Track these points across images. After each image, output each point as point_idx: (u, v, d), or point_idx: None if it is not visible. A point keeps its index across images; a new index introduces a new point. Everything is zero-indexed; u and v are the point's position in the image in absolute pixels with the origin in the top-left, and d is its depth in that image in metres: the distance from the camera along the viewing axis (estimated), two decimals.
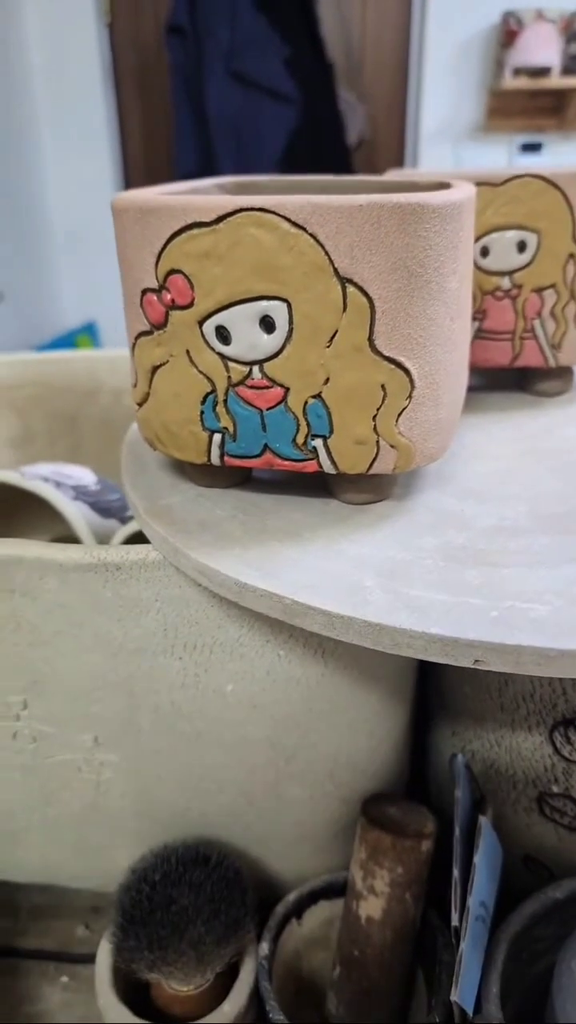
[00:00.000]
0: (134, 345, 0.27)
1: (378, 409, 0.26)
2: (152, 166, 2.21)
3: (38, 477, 0.47)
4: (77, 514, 0.44)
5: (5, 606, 0.31)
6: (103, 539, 0.46)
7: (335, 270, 0.24)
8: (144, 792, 0.36)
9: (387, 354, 0.25)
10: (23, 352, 0.58)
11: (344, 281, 0.24)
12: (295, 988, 0.38)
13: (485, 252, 0.37)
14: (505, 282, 0.37)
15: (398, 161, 2.42)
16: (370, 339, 0.25)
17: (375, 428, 0.26)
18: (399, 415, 0.26)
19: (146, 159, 2.24)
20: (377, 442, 0.26)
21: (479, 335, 0.38)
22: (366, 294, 0.24)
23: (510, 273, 0.37)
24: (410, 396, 0.26)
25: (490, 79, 2.00)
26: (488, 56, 1.99)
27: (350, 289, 0.24)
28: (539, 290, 0.37)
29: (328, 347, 0.25)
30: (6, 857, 0.39)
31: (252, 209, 0.24)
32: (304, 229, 0.23)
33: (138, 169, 2.24)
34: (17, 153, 1.98)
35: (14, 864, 0.40)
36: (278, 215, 0.23)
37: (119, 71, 2.13)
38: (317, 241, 0.24)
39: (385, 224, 0.23)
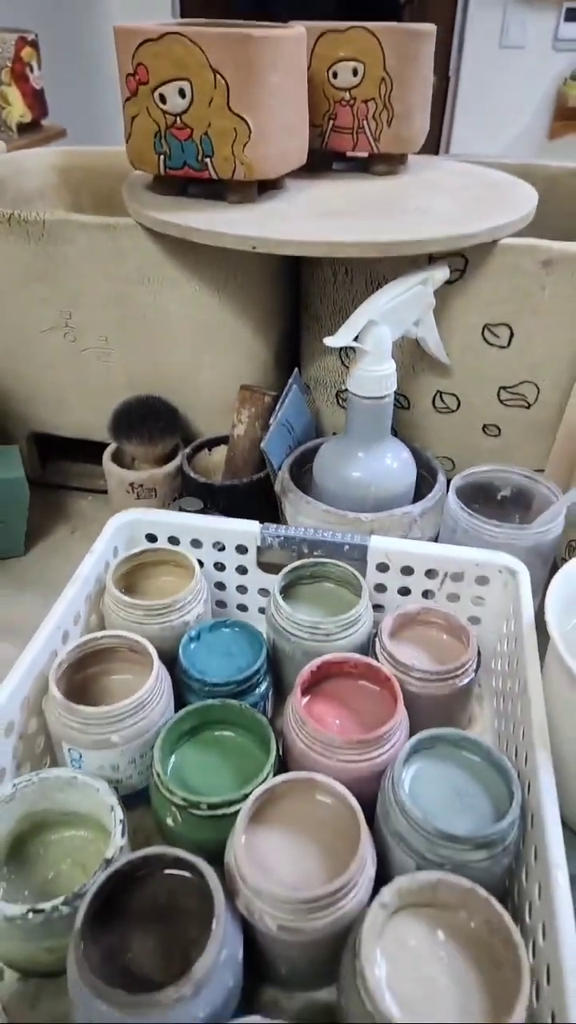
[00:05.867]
0: (125, 104, 0.56)
1: (233, 142, 0.54)
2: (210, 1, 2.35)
3: None
4: None
5: (55, 250, 0.62)
6: None
7: (211, 67, 0.52)
8: (134, 376, 0.68)
9: (235, 111, 0.53)
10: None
11: (215, 72, 0.52)
12: None
13: (335, 75, 0.63)
14: (346, 95, 0.64)
15: (447, 20, 2.47)
16: (227, 103, 0.53)
17: (232, 152, 0.55)
18: (244, 146, 0.55)
19: None
20: (235, 160, 0.55)
21: (334, 129, 0.66)
22: (224, 80, 0.52)
23: (349, 89, 0.64)
24: (250, 135, 0.54)
25: None
26: None
27: (218, 76, 0.52)
28: (365, 101, 0.64)
29: (209, 107, 0.53)
30: (61, 417, 0.73)
31: (175, 33, 0.52)
32: (197, 45, 0.52)
33: (196, 3, 2.38)
34: None
35: (64, 423, 0.73)
36: (186, 37, 0.51)
37: None
38: (203, 52, 0.52)
39: (231, 43, 0.51)
